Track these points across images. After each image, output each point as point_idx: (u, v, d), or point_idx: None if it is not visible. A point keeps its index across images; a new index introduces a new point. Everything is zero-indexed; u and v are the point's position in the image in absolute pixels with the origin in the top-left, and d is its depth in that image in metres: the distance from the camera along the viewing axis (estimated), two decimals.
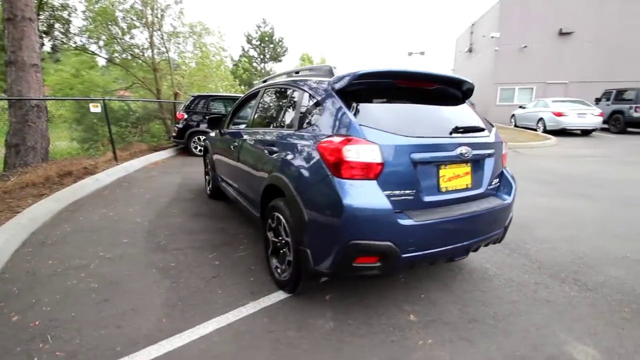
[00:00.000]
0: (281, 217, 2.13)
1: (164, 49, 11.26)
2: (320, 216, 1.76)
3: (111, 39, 10.52)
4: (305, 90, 2.20)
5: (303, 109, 2.18)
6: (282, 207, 2.10)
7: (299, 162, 1.95)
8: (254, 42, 29.72)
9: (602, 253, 2.93)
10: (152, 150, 7.92)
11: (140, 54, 10.94)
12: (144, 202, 4.28)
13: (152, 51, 10.68)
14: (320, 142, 1.81)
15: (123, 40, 10.65)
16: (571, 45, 15.63)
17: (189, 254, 2.80)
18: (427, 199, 1.82)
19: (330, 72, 2.18)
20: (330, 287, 2.29)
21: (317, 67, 2.39)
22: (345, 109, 1.82)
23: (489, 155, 2.08)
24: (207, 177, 4.63)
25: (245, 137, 2.95)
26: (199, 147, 8.07)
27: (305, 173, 1.87)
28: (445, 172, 1.87)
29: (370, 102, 1.91)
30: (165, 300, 2.14)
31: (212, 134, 4.30)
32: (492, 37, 15.70)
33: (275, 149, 2.28)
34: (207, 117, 4.30)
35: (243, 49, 30.44)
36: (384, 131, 1.75)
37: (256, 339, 1.80)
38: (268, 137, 2.44)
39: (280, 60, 30.54)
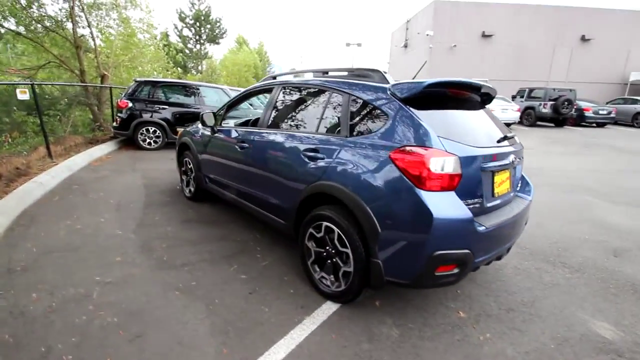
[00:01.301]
0: (334, 227, 2.05)
1: (85, 23, 9.59)
2: (399, 228, 1.75)
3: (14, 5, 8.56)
4: (355, 95, 2.11)
5: (355, 115, 2.09)
6: (335, 217, 2.02)
7: (364, 171, 1.89)
8: (187, 20, 26.95)
9: (568, 237, 3.47)
10: (89, 143, 6.81)
11: (56, 27, 9.14)
12: (112, 209, 3.69)
13: (74, 24, 9.01)
14: (396, 153, 1.77)
15: (31, 10, 8.75)
16: (491, 46, 17.73)
17: (206, 270, 2.53)
18: (488, 204, 1.93)
19: (383, 78, 2.12)
20: (375, 293, 2.30)
21: (359, 69, 2.31)
22: (418, 119, 1.81)
23: (520, 160, 2.29)
24: (184, 177, 4.18)
25: (261, 139, 2.72)
26: (147, 140, 7.19)
27: (377, 183, 1.82)
28: (497, 178, 2.00)
29: (432, 111, 1.92)
30: (212, 327, 1.92)
31: (196, 130, 3.87)
32: (427, 34, 16.93)
33: (319, 155, 2.17)
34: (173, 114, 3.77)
35: (176, 28, 27.48)
36: (456, 142, 1.79)
37: (335, 358, 1.74)
38: (305, 143, 2.30)
39: (218, 43, 28.34)
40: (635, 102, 15.23)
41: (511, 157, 2.04)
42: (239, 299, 2.18)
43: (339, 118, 2.18)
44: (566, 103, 13.46)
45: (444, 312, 2.17)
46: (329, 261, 2.18)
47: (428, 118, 1.85)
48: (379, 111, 1.97)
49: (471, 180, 1.80)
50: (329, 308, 2.14)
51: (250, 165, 2.82)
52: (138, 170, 5.49)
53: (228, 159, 3.19)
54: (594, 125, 15.06)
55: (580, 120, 14.50)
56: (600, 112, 14.42)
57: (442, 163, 1.69)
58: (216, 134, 3.38)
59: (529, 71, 18.03)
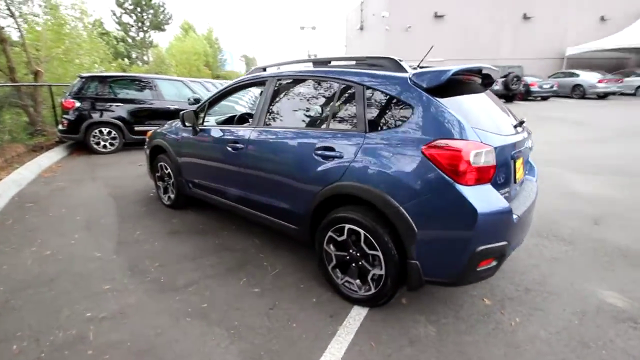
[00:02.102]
0: (359, 229, 1.93)
1: (7, 12, 8.24)
2: (439, 226, 1.67)
3: None
4: (371, 86, 1.95)
5: (373, 108, 1.95)
6: (361, 219, 1.89)
7: (393, 169, 1.76)
8: (127, 5, 24.37)
9: (551, 209, 3.67)
10: (33, 151, 5.96)
11: None
12: (81, 227, 3.24)
13: None
14: (429, 147, 1.67)
15: None
16: (444, 27, 18.26)
17: (214, 287, 2.30)
18: (512, 192, 1.92)
19: (399, 66, 1.99)
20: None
21: (370, 58, 2.14)
22: (449, 110, 1.71)
23: (531, 145, 2.31)
24: (160, 183, 3.78)
25: (258, 138, 2.48)
26: (102, 143, 6.46)
27: (409, 181, 1.71)
28: (517, 164, 1.99)
29: (453, 99, 1.83)
30: (241, 355, 1.73)
31: (172, 131, 3.48)
32: (383, 16, 16.97)
33: (334, 153, 2.01)
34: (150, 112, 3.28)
35: (114, 14, 24.73)
36: (486, 131, 1.73)
37: None
38: (316, 141, 2.12)
39: (163, 30, 26.09)
40: (572, 75, 16.68)
41: (529, 142, 2.04)
42: (261, 317, 2.00)
43: (353, 112, 2.02)
44: (515, 79, 14.36)
45: (470, 301, 2.16)
46: (353, 265, 2.06)
47: (455, 107, 1.76)
48: (401, 103, 1.84)
49: (502, 170, 1.77)
50: (358, 314, 2.04)
51: (248, 168, 2.58)
52: (99, 178, 4.91)
53: (217, 162, 2.90)
54: (539, 98, 16.29)
55: (527, 95, 15.60)
56: (544, 86, 15.61)
57: (480, 155, 1.62)
58: (199, 135, 3.06)
59: (478, 50, 18.93)
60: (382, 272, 1.90)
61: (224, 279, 2.40)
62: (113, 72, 9.12)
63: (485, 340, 1.84)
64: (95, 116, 6.30)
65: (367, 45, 20.47)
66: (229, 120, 3.56)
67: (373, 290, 1.98)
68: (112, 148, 6.56)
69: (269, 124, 2.51)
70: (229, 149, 2.70)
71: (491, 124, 1.87)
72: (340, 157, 1.98)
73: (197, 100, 7.18)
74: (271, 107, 2.52)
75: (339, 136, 2.03)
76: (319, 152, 2.08)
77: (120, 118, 6.50)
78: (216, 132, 2.94)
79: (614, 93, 15.99)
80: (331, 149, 2.03)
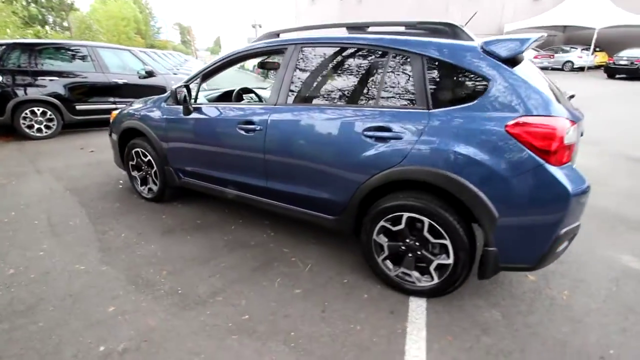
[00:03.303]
0: (423, 218, 1.75)
1: None
2: (525, 211, 1.55)
3: None
4: (434, 57, 1.70)
5: (437, 82, 1.71)
6: (426, 206, 1.71)
7: (469, 150, 1.58)
8: None
9: None
10: None
11: None
12: (45, 233, 2.61)
13: None
14: (515, 125, 1.50)
15: None
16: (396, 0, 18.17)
17: (247, 294, 1.98)
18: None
19: (463, 33, 1.75)
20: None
21: (425, 23, 1.86)
22: (529, 82, 1.55)
23: None
24: (137, 173, 3.19)
25: (283, 118, 2.12)
26: (36, 126, 5.34)
27: (490, 163, 1.54)
28: None
29: (523, 71, 1.67)
30: None
31: (149, 109, 2.89)
32: None
33: (391, 134, 1.76)
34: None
35: None
36: (564, 106, 1.61)
37: None
38: (365, 120, 1.84)
39: None
40: None
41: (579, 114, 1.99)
42: (317, 323, 1.77)
43: (411, 86, 1.77)
44: None
45: (516, 279, 2.15)
46: (409, 255, 1.90)
47: (530, 80, 1.61)
48: (473, 75, 1.64)
49: (575, 147, 1.69)
50: (418, 306, 1.90)
51: (268, 153, 2.21)
52: (44, 170, 4.04)
53: (221, 146, 2.47)
54: None
55: None
56: None
57: (570, 133, 1.50)
58: (194, 114, 2.56)
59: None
60: (450, 261, 1.76)
61: (253, 282, 2.09)
62: (42, 40, 7.49)
63: (548, 318, 1.83)
64: (22, 93, 5.14)
65: (318, 17, 19.70)
66: (224, 97, 3.06)
67: (436, 281, 1.85)
68: (49, 132, 5.46)
69: (295, 101, 2.15)
70: (241, 131, 2.29)
71: (562, 98, 1.77)
72: (399, 137, 1.74)
73: (149, 73, 6.27)
74: (296, 80, 2.15)
75: (395, 114, 1.78)
76: (370, 133, 1.82)
77: (56, 95, 5.38)
78: (217, 112, 2.48)
79: (546, 68, 17.55)
80: (386, 129, 1.78)
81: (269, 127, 2.17)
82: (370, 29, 2.04)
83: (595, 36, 16.63)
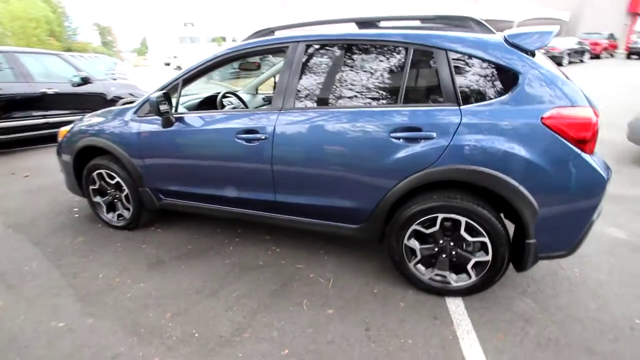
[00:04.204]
0: (459, 217, 1.69)
1: None
2: (564, 200, 1.57)
3: None
4: (459, 51, 1.63)
5: (464, 76, 1.65)
6: (463, 205, 1.67)
7: (503, 144, 1.55)
8: None
9: None
10: None
11: None
12: (4, 285, 2.09)
13: None
14: (551, 117, 1.50)
15: None
16: None
17: (276, 324, 1.76)
18: None
19: (482, 26, 1.71)
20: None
21: (442, 17, 1.78)
22: (556, 74, 1.56)
23: None
24: (100, 199, 2.71)
25: (292, 124, 1.90)
26: None
27: (529, 156, 1.53)
28: None
29: (544, 62, 1.69)
30: None
31: (115, 123, 2.45)
32: None
33: (421, 134, 1.67)
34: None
35: None
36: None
37: (533, 355, 1.53)
38: (391, 120, 1.71)
39: None
40: None
41: None
42: (366, 344, 1.62)
43: (436, 82, 1.70)
44: None
45: (550, 270, 2.20)
46: (443, 256, 1.84)
47: (557, 72, 1.63)
48: (502, 69, 1.61)
49: None
50: (456, 307, 1.85)
51: (278, 164, 1.98)
52: None
53: (216, 160, 2.18)
54: None
55: None
56: None
57: (598, 122, 1.55)
58: (176, 126, 2.22)
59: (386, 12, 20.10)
60: (488, 258, 1.74)
61: (278, 308, 1.87)
62: None
63: (573, 298, 1.92)
64: None
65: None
66: (206, 105, 2.71)
67: (473, 279, 1.81)
68: None
69: (305, 105, 1.95)
70: (241, 141, 2.03)
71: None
72: (431, 137, 1.66)
73: (85, 80, 5.47)
74: (305, 81, 1.95)
75: (423, 113, 1.69)
76: (398, 134, 1.71)
77: None
78: (207, 121, 2.18)
79: None
80: (416, 129, 1.68)
81: (276, 135, 1.95)
82: (382, 23, 1.93)
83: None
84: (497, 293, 1.95)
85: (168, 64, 33.81)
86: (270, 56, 3.21)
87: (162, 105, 2.09)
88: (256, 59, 2.97)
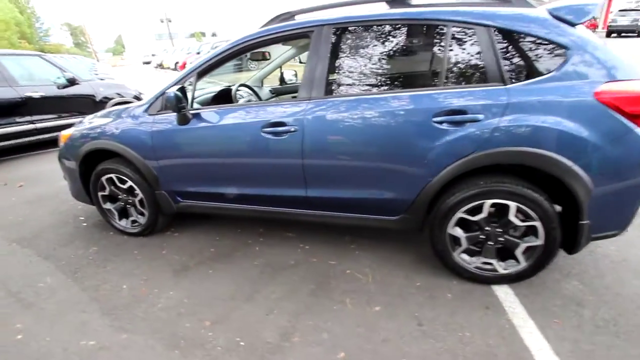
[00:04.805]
0: (508, 202, 1.63)
1: None
2: (620, 178, 1.52)
3: None
4: (499, 27, 1.54)
5: (509, 53, 1.56)
6: (513, 189, 1.60)
7: (555, 122, 1.48)
8: None
9: None
10: None
11: None
12: (15, 309, 1.93)
13: None
14: (603, 92, 1.44)
15: None
16: None
17: (325, 326, 1.68)
18: None
19: (514, 1, 1.64)
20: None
21: None
22: (603, 47, 1.49)
23: None
24: (110, 205, 2.55)
25: (324, 114, 1.79)
26: None
27: (579, 133, 1.46)
28: None
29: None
30: None
31: (125, 123, 2.28)
32: None
33: (467, 117, 1.58)
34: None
35: None
36: None
37: (591, 339, 1.49)
38: (433, 104, 1.62)
39: None
40: None
41: None
42: (423, 340, 1.56)
43: (479, 61, 1.61)
44: None
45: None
46: (489, 243, 1.78)
47: (603, 44, 1.56)
48: (548, 45, 1.53)
49: None
50: (506, 294, 1.80)
51: (307, 157, 1.87)
52: None
53: (239, 157, 2.06)
54: None
55: None
56: None
57: None
58: (193, 123, 2.08)
59: None
60: (540, 242, 1.69)
61: (321, 309, 1.79)
62: None
63: (619, 277, 1.90)
64: None
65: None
66: (220, 99, 2.56)
67: (524, 265, 1.76)
68: None
69: (336, 92, 1.84)
70: (267, 135, 1.91)
71: None
72: (477, 120, 1.58)
73: (71, 81, 5.19)
74: (334, 68, 1.84)
75: (467, 94, 1.60)
76: (442, 118, 1.62)
77: None
78: (226, 116, 2.04)
79: None
80: (461, 112, 1.60)
81: (306, 126, 1.84)
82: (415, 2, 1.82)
83: None
84: (543, 277, 1.91)
85: (148, 63, 32.80)
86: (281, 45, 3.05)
87: (177, 100, 1.95)
88: (266, 48, 2.82)
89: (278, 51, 3.19)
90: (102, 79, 6.37)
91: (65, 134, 2.62)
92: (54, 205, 3.24)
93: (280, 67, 3.26)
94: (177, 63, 19.86)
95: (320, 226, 2.48)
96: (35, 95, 4.82)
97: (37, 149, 5.06)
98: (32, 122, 4.81)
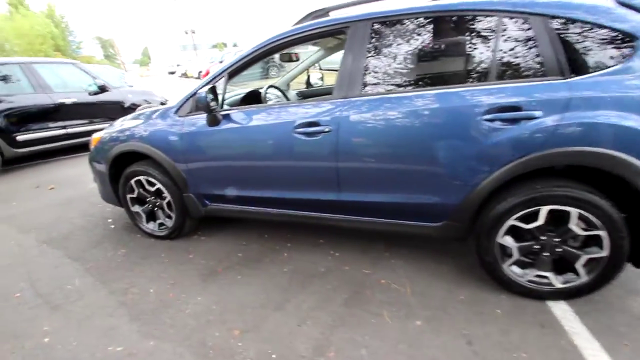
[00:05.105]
0: (569, 208, 1.47)
1: None
2: None
3: None
4: (558, 16, 1.41)
5: (570, 45, 1.43)
6: (576, 195, 1.44)
7: (627, 121, 1.32)
8: None
9: None
10: None
11: None
12: (43, 311, 1.91)
13: None
14: None
15: None
16: None
17: (362, 341, 1.55)
18: None
19: None
20: None
21: None
22: None
23: None
24: (138, 207, 2.54)
25: (362, 113, 1.69)
26: None
27: None
28: None
29: None
30: None
31: (153, 126, 2.27)
32: None
33: (522, 114, 1.44)
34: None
35: None
36: None
37: None
38: (483, 101, 1.49)
39: None
40: None
41: None
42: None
43: (535, 54, 1.47)
44: None
45: None
46: (544, 255, 1.61)
47: None
48: (614, 34, 1.38)
49: None
50: (563, 312, 1.62)
51: (341, 159, 1.77)
52: (2, 219, 3.13)
53: (270, 159, 1.98)
54: None
55: None
56: None
57: None
58: (224, 124, 2.03)
59: None
60: (605, 253, 1.51)
61: (358, 321, 1.66)
62: None
63: None
64: None
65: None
66: (248, 101, 2.52)
67: (584, 279, 1.58)
68: None
69: (374, 90, 1.74)
70: (300, 136, 1.83)
71: None
72: (534, 117, 1.44)
73: (102, 88, 5.33)
74: (372, 65, 1.74)
75: (523, 89, 1.47)
76: (494, 115, 1.49)
77: None
78: (257, 117, 1.98)
79: None
80: (515, 108, 1.46)
81: (342, 126, 1.74)
82: None
83: None
84: (603, 293, 1.71)
85: (173, 73, 33.94)
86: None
87: (207, 101, 1.90)
88: (296, 49, 2.78)
89: (304, 54, 3.14)
90: (130, 86, 6.56)
91: (96, 137, 2.64)
92: (84, 207, 3.27)
93: (307, 70, 3.21)
94: (200, 72, 20.39)
95: (351, 232, 2.37)
96: (68, 101, 4.99)
97: (69, 153, 5.21)
98: (63, 127, 4.98)
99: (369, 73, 1.75)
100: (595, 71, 1.41)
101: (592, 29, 1.41)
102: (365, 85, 1.74)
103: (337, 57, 2.19)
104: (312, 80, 3.37)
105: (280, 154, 1.95)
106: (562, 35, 1.44)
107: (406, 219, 1.83)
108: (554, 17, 1.44)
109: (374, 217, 1.89)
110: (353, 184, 1.84)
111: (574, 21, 1.43)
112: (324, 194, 1.93)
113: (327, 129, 1.77)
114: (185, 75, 25.01)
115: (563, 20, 1.44)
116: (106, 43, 74.20)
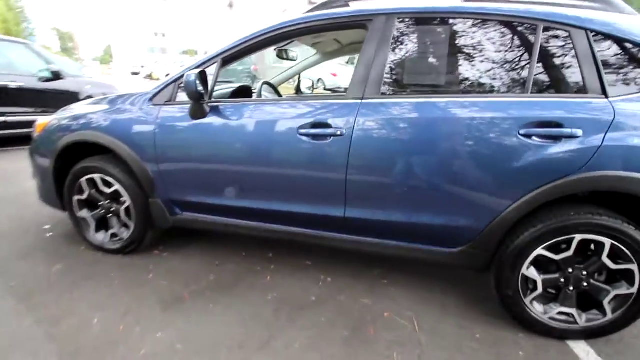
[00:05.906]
0: (603, 240, 1.32)
1: None
2: None
3: None
4: (599, 31, 1.32)
5: (611, 60, 1.32)
6: (612, 224, 1.30)
7: None
8: None
9: None
10: None
11: None
12: None
13: None
14: None
15: None
16: None
17: None
18: None
19: (610, 3, 1.43)
20: None
21: None
22: None
23: None
24: (86, 214, 2.07)
25: (379, 118, 1.46)
26: None
27: None
28: None
29: None
30: None
31: (119, 113, 1.87)
32: None
33: (561, 131, 1.30)
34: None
35: None
36: None
37: None
38: (519, 115, 1.33)
39: None
40: None
41: None
42: None
43: (577, 69, 1.35)
44: None
45: None
46: (569, 289, 1.45)
47: None
48: None
49: None
50: (586, 353, 1.45)
51: (352, 169, 1.52)
52: None
53: (265, 163, 1.68)
54: None
55: None
56: None
57: None
58: (211, 116, 1.70)
59: None
60: (634, 290, 1.37)
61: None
62: None
63: None
64: None
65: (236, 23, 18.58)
66: (237, 96, 2.19)
67: (609, 317, 1.43)
68: None
69: (397, 93, 1.53)
70: (304, 138, 1.56)
71: None
72: (576, 135, 1.30)
73: (56, 75, 4.69)
74: (394, 64, 1.53)
75: (564, 105, 1.33)
76: (531, 130, 1.33)
77: None
78: (253, 112, 1.68)
79: None
80: (556, 125, 1.32)
81: (356, 130, 1.50)
82: None
83: None
84: (622, 333, 1.58)
85: (137, 74, 32.32)
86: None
87: (196, 87, 1.58)
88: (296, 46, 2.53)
89: (302, 55, 2.92)
90: (90, 77, 5.89)
91: (41, 122, 2.16)
92: (15, 209, 2.68)
93: (299, 74, 2.97)
94: (167, 74, 19.51)
95: (341, 254, 2.09)
96: (12, 85, 4.30)
97: (6, 146, 4.45)
98: (2, 114, 4.26)
99: (391, 73, 1.54)
100: (628, 86, 1.31)
101: (634, 47, 1.33)
102: (385, 85, 1.53)
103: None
104: (302, 87, 3.13)
105: (279, 158, 1.66)
106: (604, 52, 1.34)
107: (418, 243, 1.60)
108: (596, 32, 1.35)
109: (380, 238, 1.64)
110: (362, 199, 1.59)
111: (614, 39, 1.34)
112: (327, 208, 1.65)
113: (338, 132, 1.52)
114: (150, 77, 23.83)
115: (604, 37, 1.35)
116: (65, 35, 69.37)
